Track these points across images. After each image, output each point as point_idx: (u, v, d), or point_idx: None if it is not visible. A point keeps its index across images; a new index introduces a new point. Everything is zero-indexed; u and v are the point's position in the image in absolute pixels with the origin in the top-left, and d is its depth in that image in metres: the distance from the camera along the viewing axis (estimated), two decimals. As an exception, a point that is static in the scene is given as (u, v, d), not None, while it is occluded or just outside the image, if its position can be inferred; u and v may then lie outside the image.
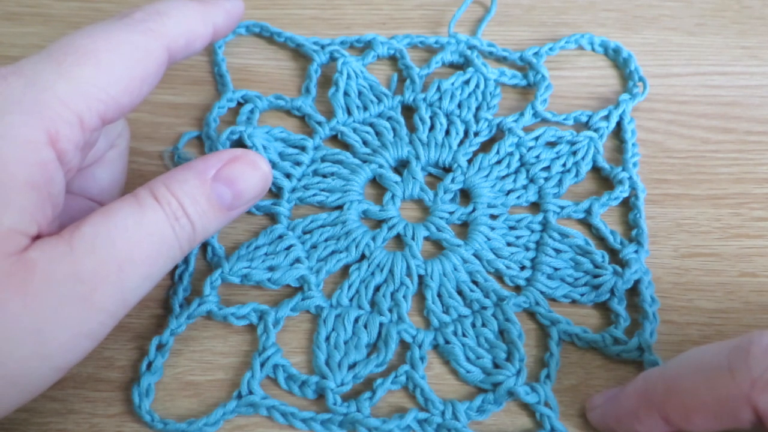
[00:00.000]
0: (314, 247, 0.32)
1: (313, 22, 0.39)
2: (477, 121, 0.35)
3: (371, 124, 0.35)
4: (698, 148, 0.35)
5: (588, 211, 0.33)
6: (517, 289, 0.31)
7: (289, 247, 0.31)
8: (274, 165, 0.33)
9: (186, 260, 0.31)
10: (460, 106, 0.35)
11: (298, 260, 0.31)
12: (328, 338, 0.30)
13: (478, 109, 0.35)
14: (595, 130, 0.35)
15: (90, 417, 0.28)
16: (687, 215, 0.33)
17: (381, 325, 0.30)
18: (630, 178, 0.33)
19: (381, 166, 0.34)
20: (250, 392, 0.28)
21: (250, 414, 0.28)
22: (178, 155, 0.34)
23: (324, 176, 0.33)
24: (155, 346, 0.29)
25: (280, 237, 0.32)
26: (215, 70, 0.37)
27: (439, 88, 0.35)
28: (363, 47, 0.38)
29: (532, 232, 0.32)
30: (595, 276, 0.31)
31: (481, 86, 0.36)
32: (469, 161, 0.34)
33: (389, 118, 0.35)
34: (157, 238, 0.24)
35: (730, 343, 0.24)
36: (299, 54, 0.38)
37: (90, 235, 0.23)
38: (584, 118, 0.35)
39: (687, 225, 0.33)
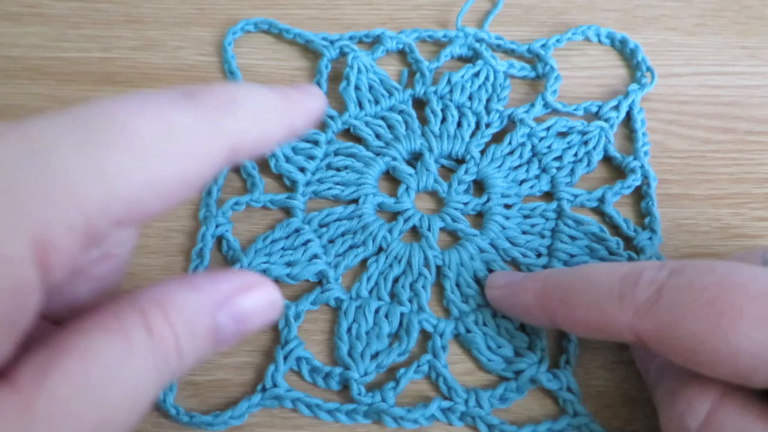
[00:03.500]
0: (331, 241, 0.32)
1: (313, 22, 0.39)
2: (488, 112, 0.35)
3: (383, 118, 0.35)
4: (698, 148, 0.35)
5: (601, 200, 0.33)
6: None
7: (306, 243, 0.31)
8: (287, 159, 0.33)
9: (201, 255, 0.31)
10: (470, 98, 0.35)
11: (315, 256, 0.31)
12: (349, 329, 0.30)
13: (488, 100, 0.35)
14: (606, 120, 0.35)
15: (90, 417, 0.28)
16: (687, 215, 0.33)
17: (402, 314, 0.30)
18: (642, 166, 0.33)
19: (394, 159, 0.34)
20: (275, 385, 0.28)
21: (275, 407, 0.28)
22: None
23: (338, 170, 0.33)
24: None
25: (297, 231, 0.31)
26: (225, 68, 0.37)
27: (449, 81, 0.36)
28: (372, 42, 0.38)
29: (547, 220, 0.32)
30: None
31: (491, 78, 0.36)
32: (482, 152, 0.34)
33: (401, 112, 0.35)
34: (141, 385, 0.18)
35: (623, 267, 0.25)
36: (306, 51, 0.38)
37: (62, 393, 0.16)
38: (594, 109, 0.35)
39: (687, 225, 0.33)
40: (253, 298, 0.20)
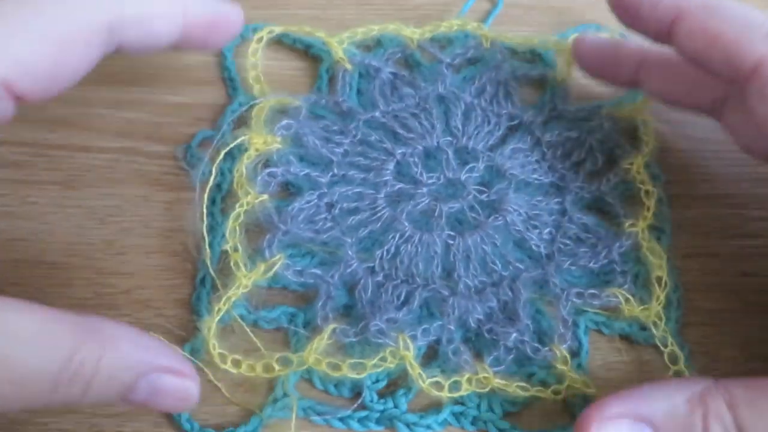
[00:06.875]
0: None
1: (313, 23, 0.39)
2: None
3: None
4: (698, 147, 0.35)
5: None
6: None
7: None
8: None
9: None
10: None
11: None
12: None
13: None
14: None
15: (90, 417, 0.28)
16: (687, 215, 0.33)
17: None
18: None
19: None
20: (286, 395, 0.28)
21: (287, 417, 0.28)
22: (190, 153, 0.34)
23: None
24: (188, 352, 0.28)
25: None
26: (225, 75, 0.36)
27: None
28: (373, 45, 0.37)
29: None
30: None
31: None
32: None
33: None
34: (35, 371, 0.21)
35: None
36: (306, 55, 0.38)
37: None
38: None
39: (687, 225, 0.33)
40: (176, 383, 0.23)
